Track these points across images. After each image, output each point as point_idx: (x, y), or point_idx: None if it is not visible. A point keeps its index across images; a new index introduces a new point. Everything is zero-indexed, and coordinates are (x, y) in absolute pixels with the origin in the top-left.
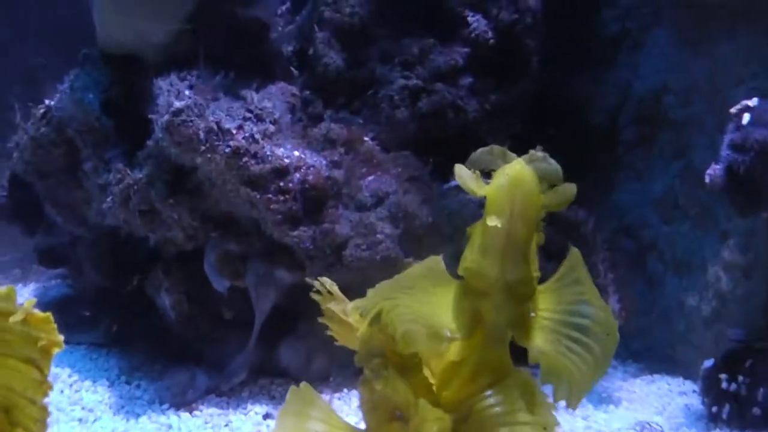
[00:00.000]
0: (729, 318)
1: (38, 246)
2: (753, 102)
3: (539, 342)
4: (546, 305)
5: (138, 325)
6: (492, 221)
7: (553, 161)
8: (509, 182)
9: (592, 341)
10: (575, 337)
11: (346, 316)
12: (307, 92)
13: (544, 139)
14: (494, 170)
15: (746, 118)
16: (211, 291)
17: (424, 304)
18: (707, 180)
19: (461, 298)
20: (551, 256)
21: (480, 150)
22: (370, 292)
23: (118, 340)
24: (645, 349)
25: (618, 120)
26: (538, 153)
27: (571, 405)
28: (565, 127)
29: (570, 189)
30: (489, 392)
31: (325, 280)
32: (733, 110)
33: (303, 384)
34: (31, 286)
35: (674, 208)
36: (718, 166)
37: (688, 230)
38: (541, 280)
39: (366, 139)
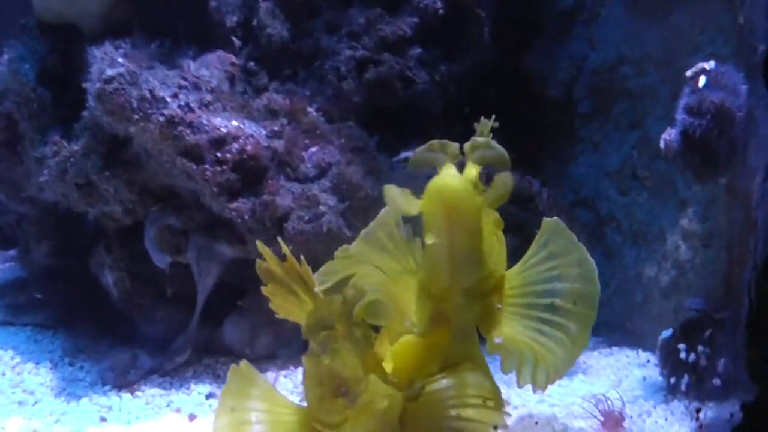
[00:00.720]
0: (688, 288)
1: None
2: (709, 65)
3: (506, 331)
4: (514, 290)
5: (84, 305)
6: (431, 239)
7: (497, 146)
8: (438, 197)
9: (564, 319)
10: (546, 319)
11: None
12: (252, 64)
13: (497, 112)
14: (439, 167)
15: (702, 80)
16: (154, 268)
17: (395, 285)
18: (662, 145)
19: (422, 298)
20: (506, 230)
21: (419, 149)
22: (338, 254)
23: (64, 321)
24: (603, 322)
25: (573, 92)
26: (479, 139)
27: (541, 386)
28: (520, 100)
29: (506, 180)
30: (442, 376)
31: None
32: (688, 73)
33: (243, 362)
34: None
35: (632, 178)
36: (673, 131)
37: (646, 200)
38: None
39: (310, 110)
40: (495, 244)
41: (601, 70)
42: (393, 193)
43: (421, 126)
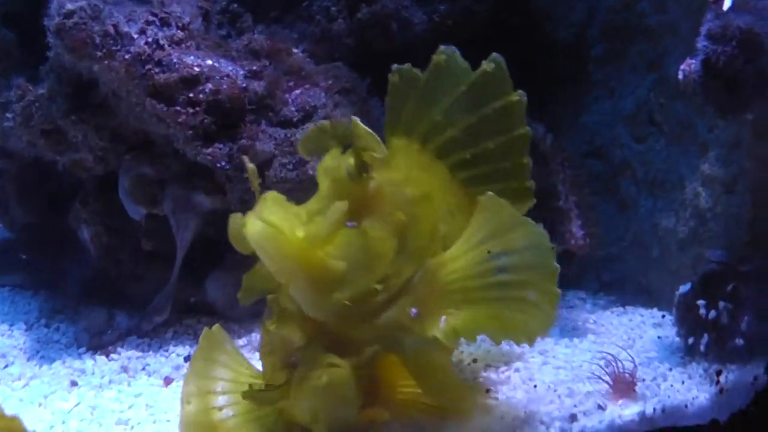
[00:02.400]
0: (709, 239)
1: None
2: None
3: (457, 322)
4: (457, 274)
5: (65, 263)
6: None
7: (366, 135)
8: (254, 244)
9: (520, 291)
10: (499, 297)
11: None
12: (235, 5)
13: (503, 57)
14: (328, 151)
15: (727, 3)
16: (132, 222)
17: None
18: (680, 76)
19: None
20: None
21: (307, 132)
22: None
23: (45, 281)
24: (617, 279)
25: (587, 34)
26: (325, 123)
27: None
28: (528, 44)
29: (336, 208)
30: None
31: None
32: None
33: (215, 326)
34: None
35: (648, 124)
36: (693, 61)
37: (664, 147)
38: None
39: (295, 50)
40: (385, 246)
41: (617, 8)
42: (232, 225)
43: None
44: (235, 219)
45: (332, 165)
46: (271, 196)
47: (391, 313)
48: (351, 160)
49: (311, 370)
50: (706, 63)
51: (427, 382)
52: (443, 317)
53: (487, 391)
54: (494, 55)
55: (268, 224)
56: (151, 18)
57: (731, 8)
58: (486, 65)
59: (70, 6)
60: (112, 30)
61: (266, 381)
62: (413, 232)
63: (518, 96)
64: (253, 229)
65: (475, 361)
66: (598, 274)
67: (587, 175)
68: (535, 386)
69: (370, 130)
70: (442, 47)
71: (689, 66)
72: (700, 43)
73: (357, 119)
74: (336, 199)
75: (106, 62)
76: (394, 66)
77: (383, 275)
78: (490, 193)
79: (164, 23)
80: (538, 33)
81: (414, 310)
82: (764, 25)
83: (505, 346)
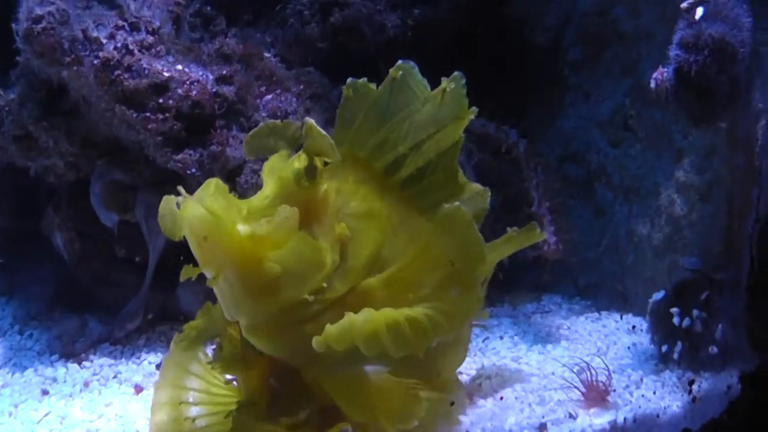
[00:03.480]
0: (683, 246)
1: None
2: None
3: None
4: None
5: (40, 269)
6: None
7: (318, 135)
8: (186, 228)
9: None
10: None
11: None
12: (208, 8)
13: (478, 62)
14: (275, 152)
15: (699, 12)
16: (105, 228)
17: None
18: (652, 85)
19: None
20: (490, 183)
21: (256, 129)
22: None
23: (20, 287)
24: (593, 284)
25: (562, 38)
26: (276, 122)
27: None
28: (504, 49)
29: (286, 214)
30: None
31: None
32: (684, 5)
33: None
34: None
35: (623, 129)
36: (665, 69)
37: (639, 153)
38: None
39: (267, 55)
40: (324, 257)
41: (592, 13)
42: (164, 207)
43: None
44: (168, 201)
45: (279, 165)
46: (215, 183)
47: (310, 327)
48: (300, 163)
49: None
50: (679, 72)
51: (349, 404)
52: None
53: (451, 404)
54: (456, 73)
55: (210, 211)
56: (120, 22)
57: (703, 17)
58: (446, 83)
59: (38, 11)
60: (80, 35)
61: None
62: (354, 249)
63: (472, 114)
64: (192, 213)
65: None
66: (574, 278)
67: (563, 180)
68: (501, 398)
69: (324, 133)
70: (400, 62)
71: (661, 75)
72: (673, 51)
73: (311, 121)
74: (281, 201)
75: (75, 68)
76: (349, 80)
77: (317, 287)
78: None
79: (134, 28)
80: (514, 37)
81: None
82: (737, 34)
83: (479, 352)
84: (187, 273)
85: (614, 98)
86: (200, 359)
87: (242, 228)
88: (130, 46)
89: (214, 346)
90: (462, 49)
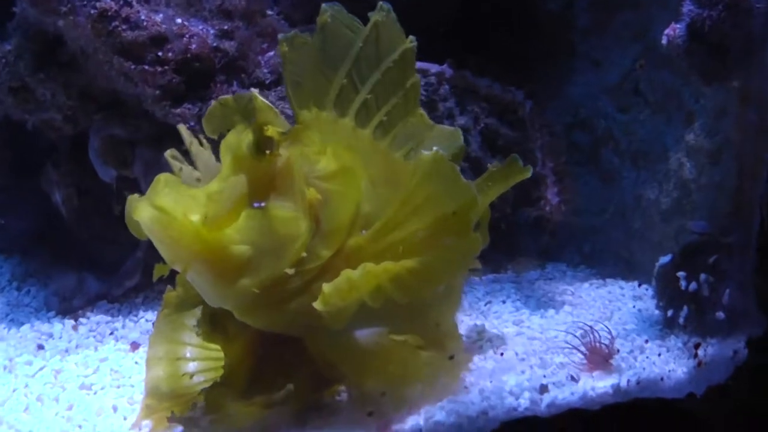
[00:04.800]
0: (692, 210)
1: None
2: None
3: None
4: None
5: (40, 226)
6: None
7: (247, 97)
8: (146, 230)
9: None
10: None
11: None
12: None
13: (487, 28)
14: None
15: None
16: (104, 185)
17: None
18: (664, 41)
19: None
20: (494, 151)
21: (209, 108)
22: None
23: (20, 244)
24: (598, 251)
25: (573, 5)
26: (227, 97)
27: None
28: (513, 15)
29: (236, 183)
30: None
31: None
32: None
33: (179, 288)
34: None
35: (633, 94)
36: (678, 26)
37: (648, 117)
38: None
39: (270, 12)
40: (295, 227)
41: None
42: (128, 208)
43: None
44: (132, 201)
45: (234, 141)
46: (164, 178)
47: (302, 299)
48: (251, 137)
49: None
50: (691, 27)
51: (356, 370)
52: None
53: (450, 358)
54: (381, 3)
55: (158, 209)
56: None
57: None
58: (376, 16)
59: None
60: None
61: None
62: (329, 211)
63: (411, 42)
64: (143, 214)
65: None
66: (579, 246)
67: (571, 147)
68: (502, 354)
69: (269, 104)
70: (324, 5)
71: (674, 30)
72: (686, 7)
73: (256, 92)
74: (237, 179)
75: (71, 18)
76: (280, 36)
77: (296, 259)
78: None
79: None
80: (526, 3)
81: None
82: None
83: (481, 315)
84: (159, 271)
85: (623, 64)
86: (196, 314)
87: (195, 217)
88: None
89: None
90: (469, 13)
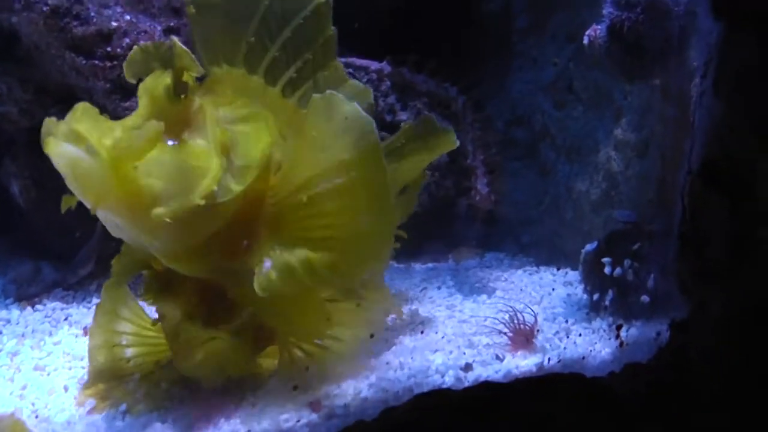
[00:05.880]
0: (620, 202)
1: None
2: None
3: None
4: (286, 203)
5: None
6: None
7: (166, 44)
8: (56, 154)
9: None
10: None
11: None
12: None
13: (429, 28)
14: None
15: None
16: (61, 177)
17: None
18: (585, 41)
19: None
20: None
21: (131, 54)
22: None
23: None
24: (534, 241)
25: (511, 5)
26: (148, 44)
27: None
28: (455, 15)
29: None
30: None
31: None
32: None
33: (113, 280)
34: None
35: (567, 92)
36: (599, 27)
37: (581, 114)
38: None
39: None
40: (205, 160)
41: None
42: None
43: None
44: (47, 123)
45: (151, 84)
46: (82, 106)
47: (223, 241)
48: (169, 79)
49: (192, 347)
50: (611, 29)
51: (273, 316)
52: (266, 262)
53: (371, 336)
54: None
55: (73, 132)
56: None
57: None
58: None
59: None
60: None
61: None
62: (240, 150)
63: None
64: (58, 135)
65: None
66: (517, 236)
67: (510, 142)
68: (422, 332)
69: (187, 50)
70: None
71: (595, 32)
72: (606, 9)
73: (176, 39)
74: (152, 117)
75: (25, 14)
76: None
77: (207, 191)
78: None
79: None
80: (465, 3)
81: (245, 242)
82: None
83: (416, 301)
84: (66, 202)
85: (559, 63)
86: (129, 303)
87: (108, 141)
88: None
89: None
90: (412, 13)
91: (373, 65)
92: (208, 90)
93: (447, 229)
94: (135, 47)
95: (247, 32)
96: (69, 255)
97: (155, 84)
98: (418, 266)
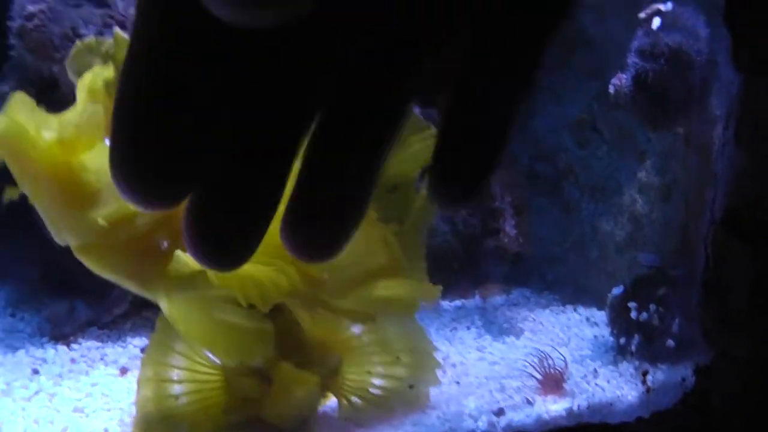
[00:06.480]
0: (644, 243)
1: None
2: (665, 6)
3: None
4: None
5: (32, 254)
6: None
7: (109, 40)
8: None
9: None
10: None
11: None
12: None
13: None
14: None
15: (656, 22)
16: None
17: None
18: (611, 90)
19: None
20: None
21: (72, 50)
22: None
23: (12, 270)
24: (559, 279)
25: None
26: (91, 40)
27: None
28: None
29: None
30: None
31: None
32: (642, 15)
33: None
34: None
35: (591, 131)
36: (624, 76)
37: (605, 153)
38: None
39: None
40: None
41: None
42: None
43: None
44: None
45: (90, 78)
46: (20, 96)
47: (143, 244)
48: (110, 72)
49: (286, 386)
50: (636, 78)
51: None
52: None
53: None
54: None
55: (11, 121)
56: (109, 20)
57: (660, 27)
58: None
59: (31, 8)
60: (70, 32)
61: (233, 382)
62: None
63: None
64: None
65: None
66: (542, 273)
67: (534, 179)
68: (458, 383)
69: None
70: None
71: (620, 80)
72: (631, 59)
73: (119, 30)
74: (94, 113)
75: (64, 64)
76: None
77: None
78: None
79: (121, 27)
80: None
81: (164, 243)
82: (693, 44)
83: (445, 340)
84: (9, 194)
85: (583, 101)
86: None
87: (47, 134)
88: None
89: None
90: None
91: None
92: None
93: (473, 266)
94: (78, 43)
95: None
96: (103, 293)
97: (94, 78)
98: (446, 304)
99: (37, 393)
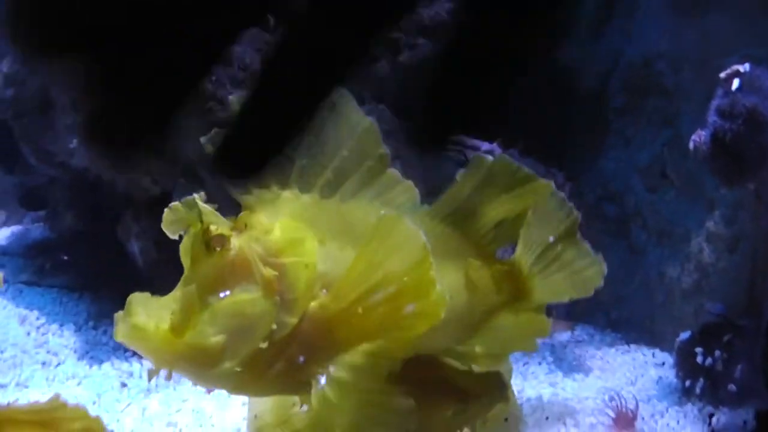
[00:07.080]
0: (710, 291)
1: (18, 187)
2: (744, 67)
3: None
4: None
5: (110, 270)
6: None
7: (192, 199)
8: (129, 346)
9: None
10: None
11: None
12: None
13: (526, 103)
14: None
15: (735, 83)
16: (177, 240)
17: None
18: (691, 146)
19: None
20: None
21: (164, 215)
22: None
23: (90, 284)
24: (624, 318)
25: (608, 85)
26: (176, 204)
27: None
28: (554, 90)
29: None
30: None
31: None
32: (722, 75)
33: None
34: (13, 228)
35: (660, 176)
36: (703, 133)
37: (673, 199)
38: None
39: None
40: (259, 306)
41: (637, 64)
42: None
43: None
44: (116, 319)
45: (188, 245)
46: (134, 298)
47: (279, 365)
48: (202, 237)
49: None
50: (715, 137)
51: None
52: (321, 376)
53: (506, 419)
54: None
55: (134, 327)
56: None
57: (739, 88)
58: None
59: None
60: None
61: None
62: (287, 282)
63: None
64: (121, 335)
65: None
66: (606, 311)
67: (601, 219)
68: (547, 418)
69: (209, 208)
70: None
71: (699, 137)
72: (710, 117)
73: (196, 196)
74: (198, 277)
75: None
76: None
77: (267, 333)
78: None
79: (227, 64)
80: (564, 80)
81: (301, 358)
82: (767, 105)
83: (519, 375)
84: (152, 375)
85: (653, 146)
86: None
87: (166, 325)
88: (223, 80)
89: None
90: (509, 89)
91: (484, 146)
92: (243, 226)
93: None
94: (166, 210)
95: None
96: None
97: (191, 244)
98: None
99: (128, 406)
